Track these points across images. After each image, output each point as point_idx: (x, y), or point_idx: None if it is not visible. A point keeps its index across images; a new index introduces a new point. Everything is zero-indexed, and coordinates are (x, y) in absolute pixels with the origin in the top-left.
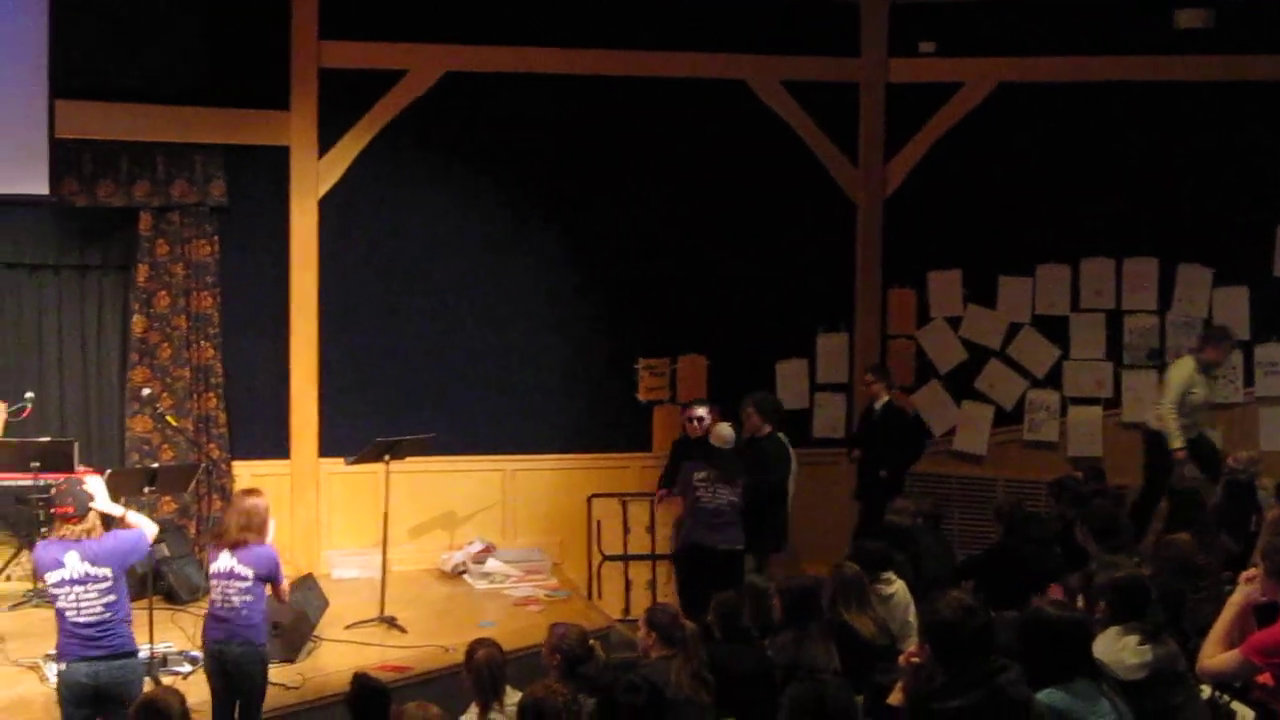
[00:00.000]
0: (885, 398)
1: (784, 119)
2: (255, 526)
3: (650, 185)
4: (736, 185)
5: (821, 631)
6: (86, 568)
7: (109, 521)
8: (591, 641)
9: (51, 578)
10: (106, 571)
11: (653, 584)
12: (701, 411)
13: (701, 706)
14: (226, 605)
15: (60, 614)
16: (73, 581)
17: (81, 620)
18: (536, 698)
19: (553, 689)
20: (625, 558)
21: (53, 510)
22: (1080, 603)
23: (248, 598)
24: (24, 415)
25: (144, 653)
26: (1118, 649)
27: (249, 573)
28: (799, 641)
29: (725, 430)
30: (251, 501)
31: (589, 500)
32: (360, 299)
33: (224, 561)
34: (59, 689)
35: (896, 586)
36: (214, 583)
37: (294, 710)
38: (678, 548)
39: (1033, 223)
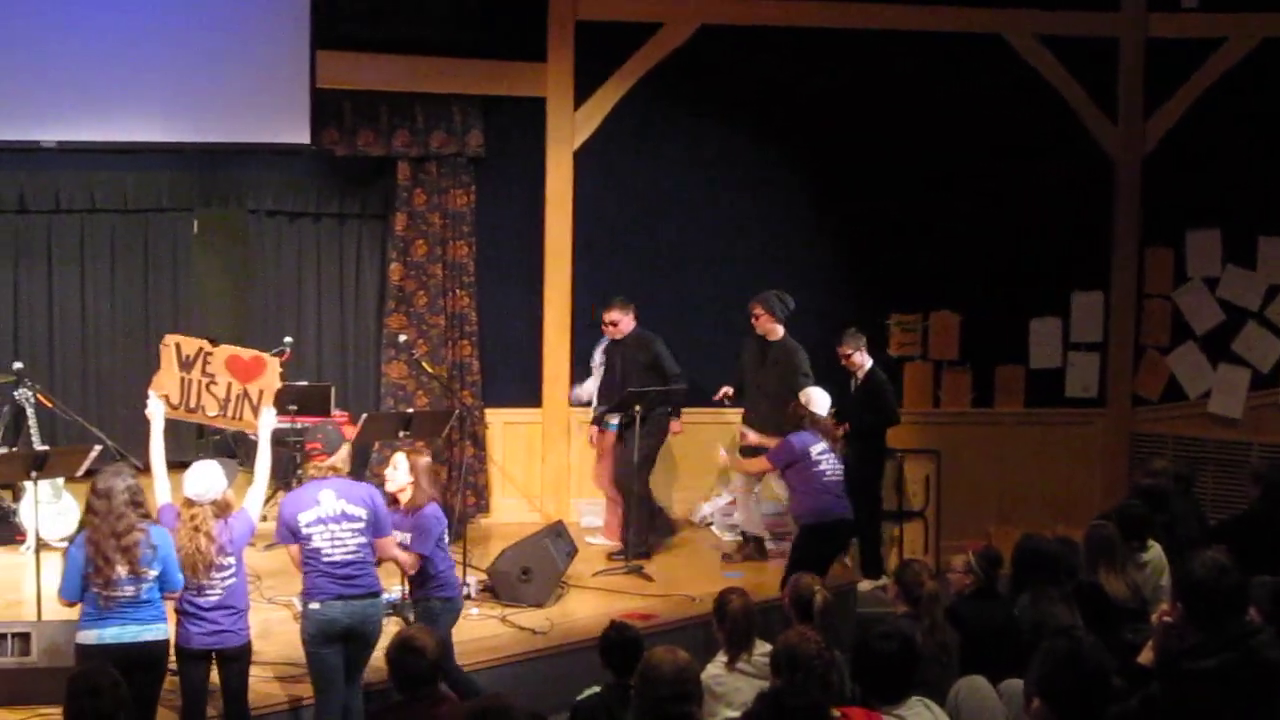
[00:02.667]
0: (867, 365)
1: (1041, 74)
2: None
3: (905, 139)
4: (992, 140)
5: (1062, 593)
6: (343, 505)
7: (361, 469)
8: (816, 588)
9: (306, 517)
10: (361, 513)
11: (900, 540)
12: (615, 315)
13: (942, 664)
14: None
15: (314, 553)
16: (328, 520)
17: (337, 559)
18: (790, 645)
19: (807, 636)
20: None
21: (305, 447)
22: None
23: None
24: (283, 360)
25: (393, 594)
26: None
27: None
28: (1036, 601)
29: (820, 397)
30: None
31: None
32: (613, 250)
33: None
34: (308, 629)
35: (1153, 551)
36: None
37: (542, 654)
38: (814, 523)
39: None
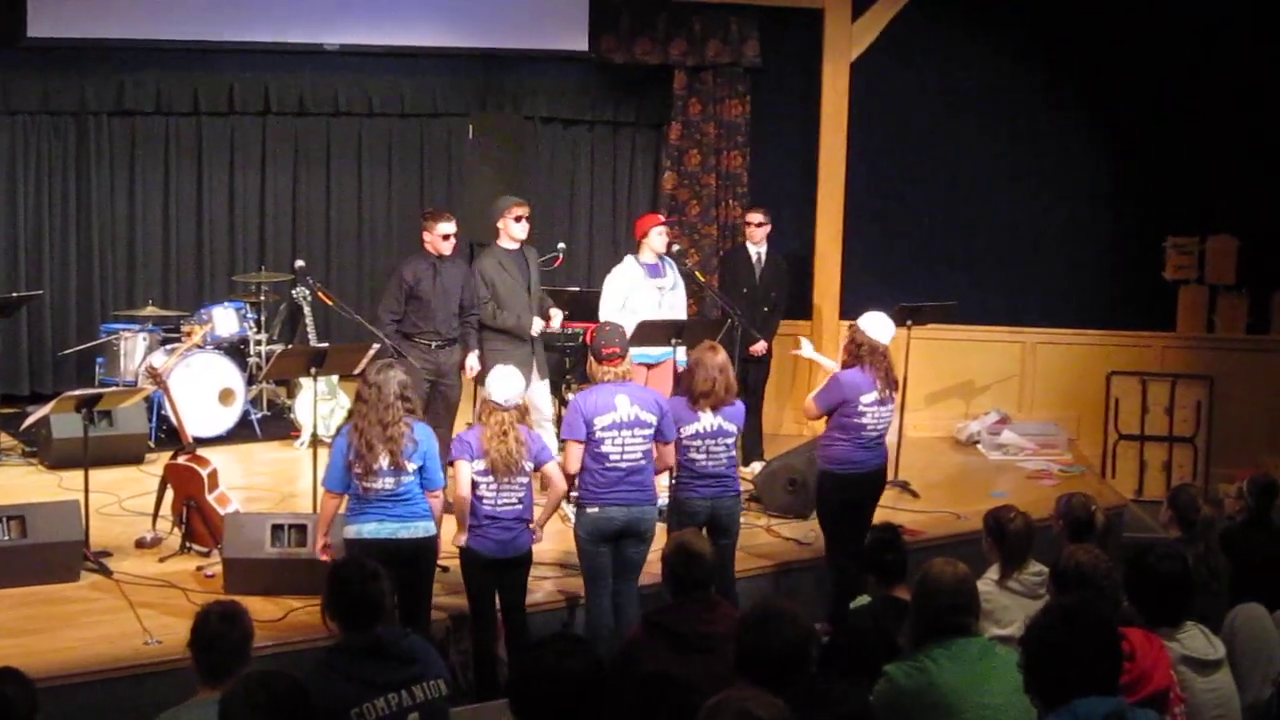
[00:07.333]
0: (766, 245)
1: None
2: (734, 386)
3: (1183, 55)
4: (1274, 56)
5: None
6: (636, 411)
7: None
8: (1093, 507)
9: (602, 420)
10: (653, 419)
11: (1168, 465)
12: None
13: (1213, 594)
14: (716, 463)
15: (600, 457)
16: (621, 425)
17: (623, 465)
18: (1079, 562)
19: (1095, 554)
20: (1141, 438)
21: (601, 351)
22: None
23: (732, 453)
24: (556, 265)
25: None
26: None
27: (734, 428)
28: None
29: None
30: (723, 358)
31: (1108, 377)
32: (887, 164)
33: (708, 420)
34: (582, 529)
35: None
36: (695, 443)
37: (807, 565)
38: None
39: None
